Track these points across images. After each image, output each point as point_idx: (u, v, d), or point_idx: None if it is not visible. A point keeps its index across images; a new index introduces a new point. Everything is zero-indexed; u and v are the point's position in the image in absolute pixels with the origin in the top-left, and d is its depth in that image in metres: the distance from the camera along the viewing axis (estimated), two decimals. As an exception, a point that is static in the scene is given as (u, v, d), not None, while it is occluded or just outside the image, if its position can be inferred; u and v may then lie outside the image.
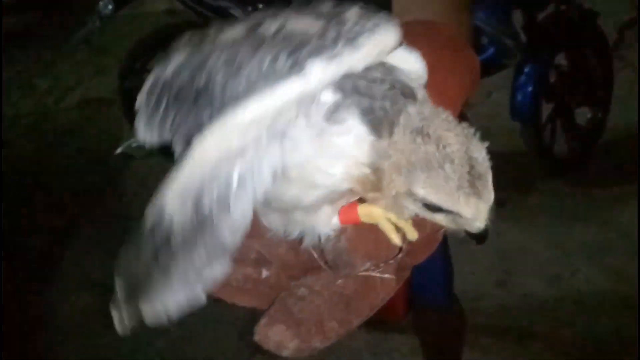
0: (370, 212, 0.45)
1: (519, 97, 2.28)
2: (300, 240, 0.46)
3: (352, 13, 0.38)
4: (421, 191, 0.40)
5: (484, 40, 2.16)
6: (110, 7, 2.09)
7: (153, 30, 2.36)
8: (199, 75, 0.39)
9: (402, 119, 0.41)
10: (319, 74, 0.36)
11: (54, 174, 2.75)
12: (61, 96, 3.24)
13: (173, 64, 0.42)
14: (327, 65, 0.36)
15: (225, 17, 2.10)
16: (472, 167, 0.40)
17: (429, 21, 0.58)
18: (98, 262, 2.32)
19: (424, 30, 0.55)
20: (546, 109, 2.45)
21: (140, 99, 0.43)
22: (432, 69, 0.44)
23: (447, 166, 0.40)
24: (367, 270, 0.47)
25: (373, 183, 0.42)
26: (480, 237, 0.42)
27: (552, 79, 2.41)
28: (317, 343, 0.45)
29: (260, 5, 2.05)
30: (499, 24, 2.11)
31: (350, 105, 0.39)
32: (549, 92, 2.38)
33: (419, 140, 0.40)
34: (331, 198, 0.44)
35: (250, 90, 0.36)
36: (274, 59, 0.36)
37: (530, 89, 2.28)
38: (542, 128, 2.43)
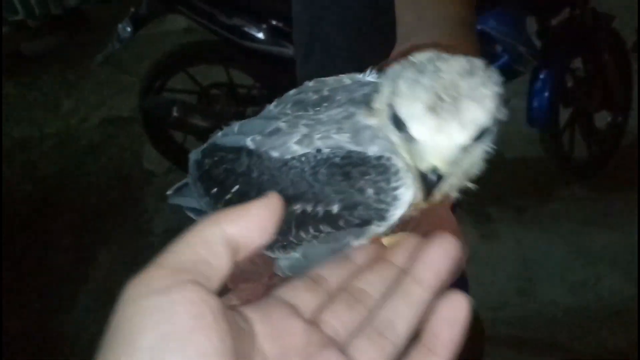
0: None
1: (536, 103, 2.27)
2: None
3: (370, 190, 0.42)
4: (391, 95, 0.39)
5: (498, 48, 2.15)
6: (128, 29, 2.14)
7: (171, 50, 2.41)
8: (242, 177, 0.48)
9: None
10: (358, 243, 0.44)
11: (78, 192, 2.82)
12: (84, 116, 3.32)
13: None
14: (363, 241, 0.44)
15: (239, 35, 2.14)
16: (458, 90, 0.37)
17: (434, 43, 0.59)
18: (122, 279, 2.37)
19: (430, 45, 0.56)
20: (565, 113, 2.43)
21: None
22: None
23: (426, 80, 0.37)
24: None
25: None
26: (429, 187, 0.39)
27: (569, 83, 2.39)
28: None
29: (274, 22, 2.08)
30: (512, 31, 2.11)
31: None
32: (566, 97, 2.36)
33: (427, 56, 0.39)
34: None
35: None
36: (316, 230, 0.45)
37: (546, 95, 2.26)
38: (560, 133, 2.40)
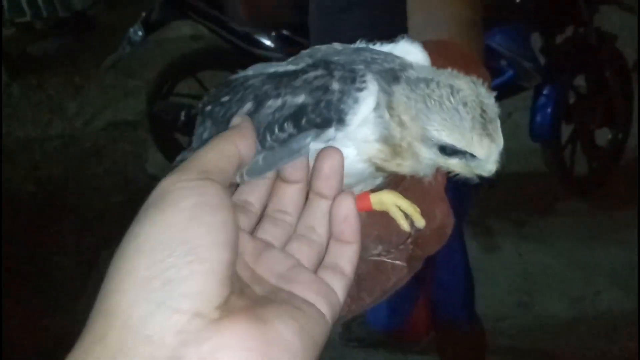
0: (381, 200, 0.51)
1: (539, 118, 2.30)
2: None
3: (335, 85, 0.46)
4: (435, 133, 0.45)
5: (503, 63, 2.19)
6: (140, 33, 2.17)
7: (179, 56, 2.44)
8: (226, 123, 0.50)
9: (403, 76, 0.47)
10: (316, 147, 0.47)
11: (82, 194, 2.83)
12: (89, 119, 3.34)
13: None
14: (321, 144, 0.47)
15: (249, 42, 2.17)
16: (483, 111, 0.44)
17: (441, 40, 0.64)
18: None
19: (436, 48, 0.60)
20: (567, 129, 2.46)
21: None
22: None
23: (461, 108, 0.44)
24: (379, 255, 0.52)
25: (389, 152, 0.47)
26: (492, 182, 0.46)
27: (572, 100, 2.42)
28: None
29: (285, 32, 2.11)
30: (517, 47, 2.14)
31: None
32: (568, 114, 2.40)
33: (431, 86, 0.45)
34: (349, 184, 0.50)
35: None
36: (281, 129, 0.47)
37: (549, 110, 2.29)
38: (562, 149, 2.43)
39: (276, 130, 0.47)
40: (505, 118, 2.96)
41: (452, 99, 0.44)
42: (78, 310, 2.28)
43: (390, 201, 0.51)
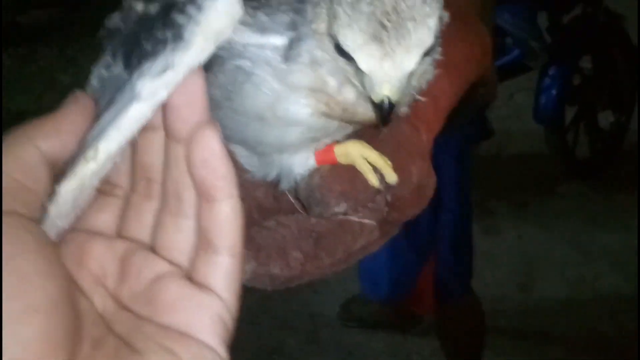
0: (346, 152, 0.43)
1: (543, 99, 2.27)
2: (277, 183, 0.45)
3: None
4: (333, 27, 0.35)
5: (509, 41, 2.15)
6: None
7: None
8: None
9: None
10: (154, 89, 0.31)
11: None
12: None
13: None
14: (160, 81, 0.31)
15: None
16: (397, 13, 0.34)
17: None
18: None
19: None
20: (569, 111, 2.43)
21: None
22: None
23: (364, 4, 0.34)
24: (345, 213, 0.44)
25: (324, 82, 0.38)
26: (383, 119, 0.36)
27: (576, 81, 2.39)
28: (277, 269, 0.42)
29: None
30: (524, 25, 2.10)
31: (300, 41, 0.37)
32: (572, 95, 2.37)
33: None
34: (311, 137, 0.42)
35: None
36: (113, 57, 0.35)
37: (554, 91, 2.26)
38: (565, 131, 2.41)
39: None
40: (507, 99, 2.92)
41: None
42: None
43: (356, 152, 0.43)
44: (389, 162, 0.43)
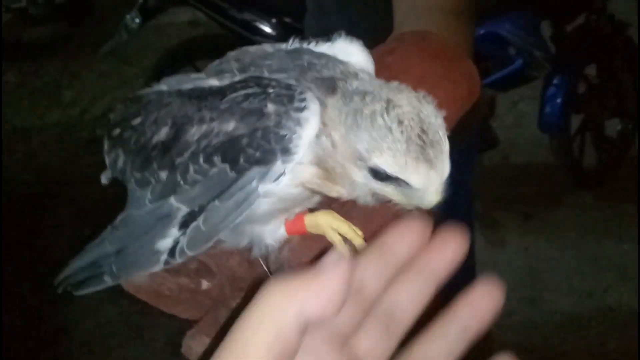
0: (316, 222, 0.44)
1: (548, 109, 2.24)
2: (249, 250, 0.46)
3: (270, 107, 0.38)
4: (365, 154, 0.38)
5: (512, 51, 2.12)
6: (137, 20, 2.10)
7: (178, 43, 2.37)
8: (142, 153, 0.44)
9: (341, 86, 0.40)
10: (270, 189, 0.40)
11: (78, 184, 2.77)
12: (86, 107, 3.28)
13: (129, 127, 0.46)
14: (276, 184, 0.39)
15: (249, 29, 2.10)
16: (424, 132, 0.37)
17: (423, 31, 0.58)
18: (122, 274, 2.33)
19: (416, 40, 0.55)
20: (576, 120, 2.40)
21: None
22: (420, 79, 0.44)
23: (395, 126, 0.37)
24: None
25: (324, 175, 0.40)
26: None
27: (581, 90, 2.36)
28: None
29: (287, 19, 2.04)
30: (527, 35, 2.08)
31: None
32: (578, 104, 2.34)
33: (366, 99, 0.38)
34: (281, 208, 0.43)
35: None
36: (207, 160, 0.39)
37: (559, 100, 2.23)
38: (571, 140, 2.38)
39: (201, 161, 0.39)
40: (511, 107, 2.90)
41: (385, 116, 0.37)
42: (75, 304, 2.25)
43: (326, 223, 0.44)
44: (360, 232, 0.43)
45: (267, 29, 2.10)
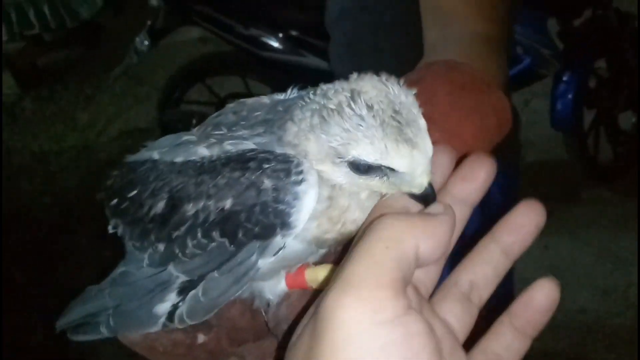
0: (316, 277, 0.44)
1: (559, 106, 2.22)
2: (251, 302, 0.46)
3: (267, 182, 0.38)
4: (341, 148, 0.36)
5: (519, 50, 2.12)
6: (146, 42, 2.14)
7: (188, 62, 2.41)
8: (139, 225, 0.44)
9: (299, 107, 0.40)
10: (269, 263, 0.41)
11: (97, 206, 2.82)
12: (102, 128, 3.33)
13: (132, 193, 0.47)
14: (276, 257, 0.40)
15: (257, 45, 2.12)
16: (397, 112, 0.36)
17: (453, 61, 0.56)
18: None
19: (444, 71, 0.53)
20: (588, 115, 2.38)
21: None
22: (447, 111, 0.43)
23: (365, 113, 0.35)
24: None
25: (327, 221, 0.41)
26: (425, 199, 0.37)
27: (593, 85, 2.34)
28: None
29: (294, 32, 2.06)
30: (534, 33, 2.07)
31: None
32: (590, 99, 2.32)
33: (328, 95, 0.37)
34: (285, 265, 0.43)
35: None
36: (205, 235, 0.39)
37: (570, 97, 2.21)
38: (585, 136, 2.36)
39: (199, 235, 0.40)
40: (523, 106, 2.87)
41: (353, 104, 0.36)
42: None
43: (327, 278, 0.43)
44: None
45: (274, 44, 2.11)
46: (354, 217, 0.41)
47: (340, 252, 0.45)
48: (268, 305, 0.45)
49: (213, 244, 0.40)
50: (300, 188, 0.38)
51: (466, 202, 0.39)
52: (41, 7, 3.69)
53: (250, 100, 0.47)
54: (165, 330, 0.45)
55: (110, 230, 0.51)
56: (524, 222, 0.39)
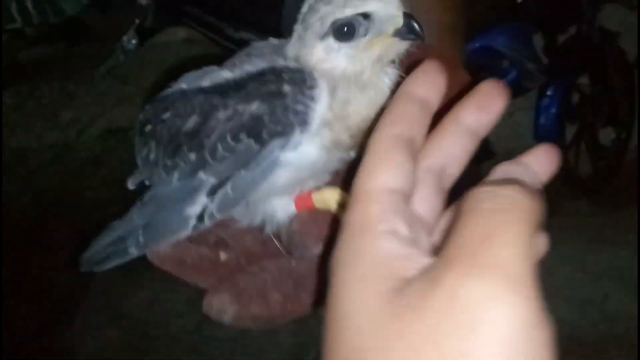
0: (323, 198, 0.50)
1: (543, 119, 2.27)
2: (262, 228, 0.51)
3: (287, 88, 0.45)
4: (325, 20, 0.44)
5: (505, 63, 2.15)
6: (134, 41, 2.12)
7: (177, 64, 2.39)
8: (174, 140, 0.49)
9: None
10: (290, 158, 0.46)
11: (77, 205, 2.77)
12: (84, 127, 3.28)
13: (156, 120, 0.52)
14: (296, 153, 0.46)
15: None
16: None
17: (421, 44, 0.63)
18: (123, 295, 2.33)
19: (416, 52, 0.59)
20: (570, 130, 2.43)
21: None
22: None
23: None
24: (323, 254, 0.48)
25: (334, 116, 0.46)
26: (411, 29, 0.44)
27: (575, 100, 2.39)
28: (257, 310, 0.47)
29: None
30: (520, 47, 2.11)
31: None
32: (572, 113, 2.37)
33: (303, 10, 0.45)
34: (298, 179, 0.48)
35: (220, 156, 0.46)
36: (234, 138, 0.45)
37: (553, 110, 2.26)
38: (566, 149, 2.40)
39: (229, 139, 0.45)
40: (506, 118, 2.92)
41: None
42: (76, 325, 2.24)
43: (332, 198, 0.49)
44: None
45: (263, 48, 2.11)
46: (356, 108, 0.46)
47: (346, 176, 0.49)
48: (279, 229, 0.50)
49: (241, 146, 0.45)
50: (315, 92, 0.45)
51: (478, 134, 0.38)
52: (24, 2, 3.63)
53: (261, 43, 0.52)
54: (193, 245, 0.49)
55: (132, 184, 0.54)
56: (488, 101, 0.37)
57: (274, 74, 0.46)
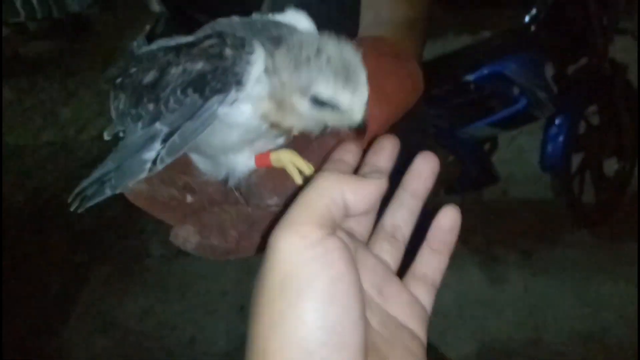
0: (279, 157, 0.57)
1: (550, 148, 2.26)
2: (225, 181, 0.59)
3: (228, 51, 0.51)
4: (307, 85, 0.50)
5: (516, 91, 2.15)
6: (143, 47, 2.08)
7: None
8: (136, 92, 0.55)
9: (286, 41, 0.52)
10: (226, 111, 0.52)
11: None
12: (83, 126, 3.24)
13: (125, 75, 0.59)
14: (231, 108, 0.52)
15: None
16: (346, 67, 0.50)
17: (379, 37, 0.73)
18: (116, 303, 2.28)
19: (371, 42, 0.68)
20: (575, 159, 2.43)
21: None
22: (372, 73, 0.54)
23: (324, 64, 0.50)
24: (276, 205, 0.57)
25: (276, 107, 0.52)
26: (359, 129, 0.52)
27: (582, 129, 2.39)
28: (216, 242, 0.57)
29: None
30: (532, 76, 2.10)
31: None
32: (578, 143, 2.36)
33: (302, 47, 0.51)
34: (249, 139, 0.56)
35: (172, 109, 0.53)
36: (183, 92, 0.51)
37: (561, 140, 2.25)
38: (571, 179, 2.40)
39: (179, 93, 0.52)
40: (509, 142, 2.92)
41: (317, 59, 0.50)
42: (67, 334, 2.19)
43: (287, 159, 0.56)
44: (312, 168, 0.56)
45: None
46: (296, 120, 0.53)
47: (297, 141, 0.58)
48: (240, 182, 0.58)
49: (188, 99, 0.51)
50: (251, 57, 0.51)
51: (381, 171, 0.50)
52: (28, -4, 3.59)
53: (224, 20, 0.58)
54: (165, 185, 0.58)
55: (107, 135, 0.60)
56: (422, 170, 0.51)
57: (220, 39, 0.52)
